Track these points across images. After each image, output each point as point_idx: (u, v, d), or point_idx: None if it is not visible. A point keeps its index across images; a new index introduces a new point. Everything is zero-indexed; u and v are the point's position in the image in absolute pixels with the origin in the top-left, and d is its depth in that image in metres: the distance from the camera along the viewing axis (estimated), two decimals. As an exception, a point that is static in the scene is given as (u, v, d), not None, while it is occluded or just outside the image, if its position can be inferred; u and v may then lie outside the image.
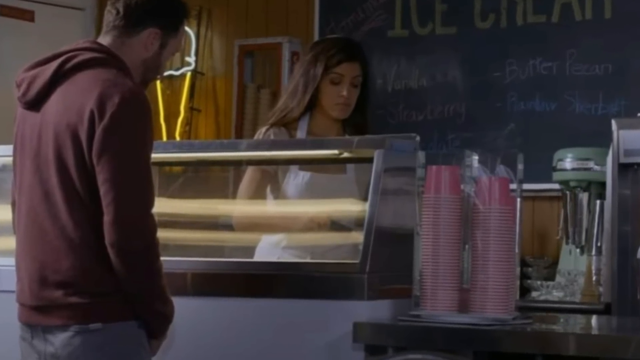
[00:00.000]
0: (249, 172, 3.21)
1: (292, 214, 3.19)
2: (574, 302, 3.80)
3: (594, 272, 3.84)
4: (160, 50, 2.45)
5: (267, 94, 5.14)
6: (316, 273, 2.57)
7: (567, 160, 4.02)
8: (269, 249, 3.20)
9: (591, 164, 3.97)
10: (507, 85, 4.55)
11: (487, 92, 4.59)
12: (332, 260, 2.86)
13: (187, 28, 4.18)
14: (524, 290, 3.94)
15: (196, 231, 3.06)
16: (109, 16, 2.42)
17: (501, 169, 2.40)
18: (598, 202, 3.92)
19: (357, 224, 2.86)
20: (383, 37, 4.84)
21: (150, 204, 2.30)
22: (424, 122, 4.71)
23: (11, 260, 2.44)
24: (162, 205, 2.58)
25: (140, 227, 2.27)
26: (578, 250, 4.04)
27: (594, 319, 3.01)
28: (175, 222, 2.95)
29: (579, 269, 3.95)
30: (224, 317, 2.60)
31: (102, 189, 2.26)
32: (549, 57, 4.48)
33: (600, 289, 3.72)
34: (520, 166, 2.43)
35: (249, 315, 2.58)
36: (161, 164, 3.08)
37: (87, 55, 2.36)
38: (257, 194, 3.20)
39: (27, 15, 5.23)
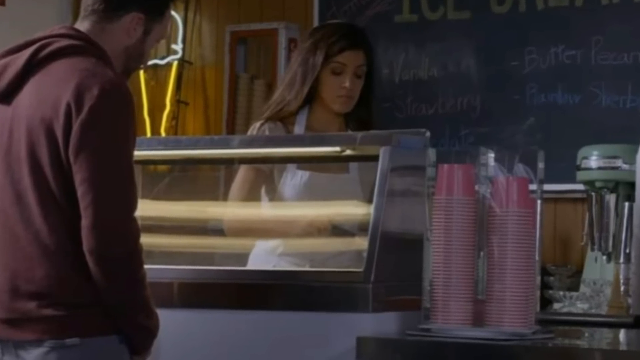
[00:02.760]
0: (242, 172, 3.21)
1: (290, 218, 3.19)
2: (599, 315, 3.80)
3: (622, 281, 3.84)
4: (144, 37, 2.46)
5: (262, 85, 5.15)
6: (316, 283, 2.57)
7: (593, 159, 4.02)
8: (264, 256, 3.20)
9: (619, 163, 3.97)
10: (527, 76, 4.56)
11: (504, 83, 4.60)
12: (334, 268, 2.87)
13: (173, 12, 4.18)
14: (545, 302, 3.94)
15: (183, 236, 3.06)
16: (87, -1, 2.43)
17: (520, 168, 2.40)
18: (627, 204, 3.92)
19: (361, 228, 2.86)
20: (389, 22, 4.84)
21: (133, 206, 2.30)
22: (435, 116, 4.72)
23: (-21, 269, 2.45)
24: (145, 208, 2.58)
25: (121, 232, 2.27)
26: (605, 257, 4.04)
27: (622, 333, 3.01)
28: (161, 226, 2.95)
29: (606, 278, 3.95)
30: (214, 330, 2.60)
31: (80, 189, 2.26)
32: (573, 45, 4.48)
33: (629, 300, 3.73)
34: (540, 165, 2.43)
35: (242, 329, 2.58)
36: (145, 162, 3.08)
37: (63, 42, 2.36)
38: (251, 196, 3.21)
39: (-4, -1, 5.23)
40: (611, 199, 4.02)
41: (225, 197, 3.28)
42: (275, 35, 5.07)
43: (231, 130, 5.12)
